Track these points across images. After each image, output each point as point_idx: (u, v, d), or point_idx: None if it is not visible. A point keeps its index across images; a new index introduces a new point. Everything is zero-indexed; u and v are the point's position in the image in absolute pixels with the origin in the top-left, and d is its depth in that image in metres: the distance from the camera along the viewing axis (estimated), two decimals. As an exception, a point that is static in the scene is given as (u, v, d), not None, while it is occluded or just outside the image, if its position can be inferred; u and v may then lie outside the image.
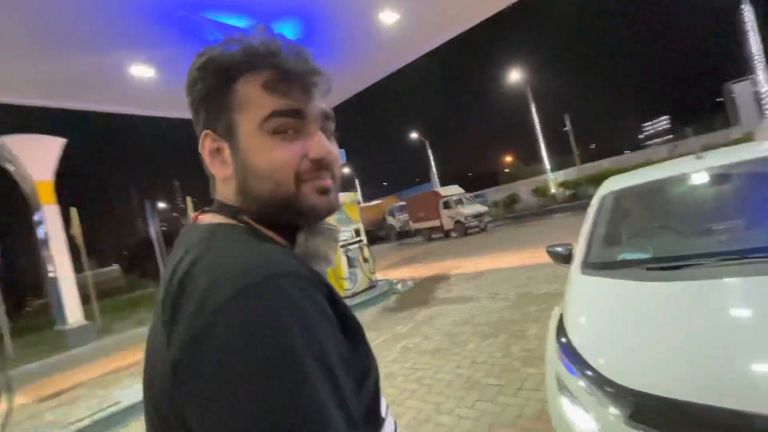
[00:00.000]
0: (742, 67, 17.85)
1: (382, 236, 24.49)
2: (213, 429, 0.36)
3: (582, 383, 1.37)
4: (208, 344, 0.37)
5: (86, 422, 3.85)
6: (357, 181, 38.96)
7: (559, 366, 1.52)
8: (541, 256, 2.84)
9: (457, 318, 5.02)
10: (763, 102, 16.14)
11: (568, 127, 24.60)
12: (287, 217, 0.52)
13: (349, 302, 6.79)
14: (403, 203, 21.65)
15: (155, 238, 10.28)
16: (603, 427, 1.26)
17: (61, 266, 8.43)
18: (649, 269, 1.72)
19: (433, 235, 18.08)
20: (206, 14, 6.36)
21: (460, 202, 16.82)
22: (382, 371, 0.65)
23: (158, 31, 6.49)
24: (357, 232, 7.92)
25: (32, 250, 8.99)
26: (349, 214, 7.82)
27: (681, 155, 2.84)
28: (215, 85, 0.50)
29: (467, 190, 18.92)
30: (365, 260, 7.79)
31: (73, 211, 9.22)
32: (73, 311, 8.46)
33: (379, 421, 0.50)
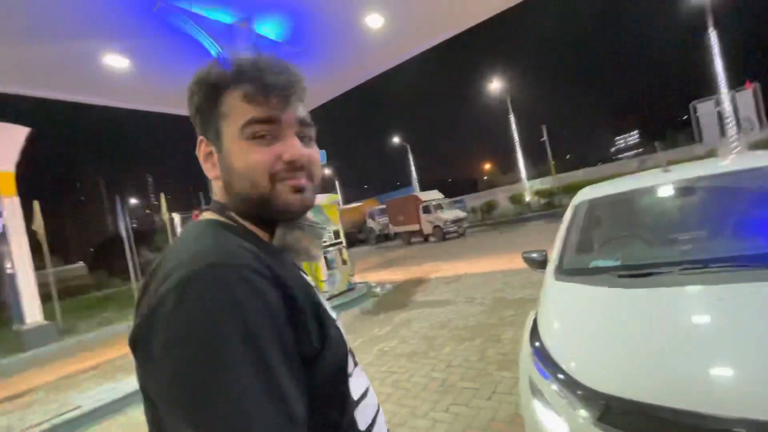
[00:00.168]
0: (707, 88, 18.90)
1: (362, 239, 24.43)
2: (159, 402, 0.44)
3: (554, 386, 1.40)
4: (152, 325, 0.44)
5: (44, 427, 3.64)
6: (338, 183, 38.76)
7: (533, 369, 1.55)
8: (517, 262, 2.89)
9: (434, 321, 5.06)
10: (725, 121, 17.12)
11: (545, 137, 25.32)
12: (265, 213, 0.57)
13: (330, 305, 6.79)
14: (384, 206, 21.69)
15: (125, 235, 9.88)
16: (573, 430, 1.29)
17: (19, 262, 7.98)
18: (619, 276, 1.79)
19: (413, 239, 18.18)
20: (185, 6, 6.20)
21: (439, 207, 17.01)
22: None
23: (134, 21, 6.27)
24: (336, 234, 7.87)
25: (-11, 244, 8.46)
26: (328, 216, 7.75)
27: (649, 168, 2.97)
28: (206, 97, 0.57)
29: (447, 196, 19.16)
30: (344, 262, 7.74)
31: (36, 205, 8.75)
32: (31, 310, 8.00)
33: (346, 403, 0.54)
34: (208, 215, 0.60)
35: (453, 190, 29.87)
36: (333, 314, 0.59)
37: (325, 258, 7.34)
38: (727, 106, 17.01)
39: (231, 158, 0.56)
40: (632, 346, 1.39)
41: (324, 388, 0.50)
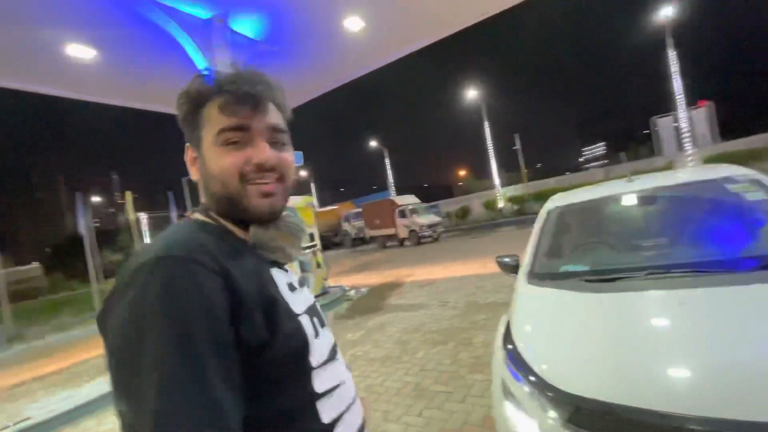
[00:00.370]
0: (666, 105, 20.10)
1: (337, 242, 24.25)
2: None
3: (526, 388, 1.43)
4: (104, 308, 0.51)
5: (-13, 441, 3.37)
6: (313, 186, 38.35)
7: (505, 372, 1.58)
8: (490, 267, 2.95)
9: (407, 325, 5.07)
10: (682, 136, 18.27)
11: (517, 146, 26.09)
12: (237, 214, 0.63)
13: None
14: (360, 210, 21.63)
15: (86, 234, 9.34)
16: (543, 431, 1.31)
17: (-35, 262, 7.39)
18: (587, 281, 1.85)
19: (388, 243, 18.22)
20: (159, -1, 5.99)
21: (415, 211, 17.14)
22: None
23: (102, 11, 5.98)
24: (311, 237, 7.77)
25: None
26: (302, 218, 7.65)
27: (614, 178, 3.10)
28: (190, 108, 0.64)
29: (422, 201, 19.34)
30: (318, 266, 7.65)
31: (-14, 201, 8.13)
32: (-23, 314, 7.42)
33: (302, 393, 0.57)
34: (193, 215, 0.67)
35: (428, 195, 30.21)
36: (300, 309, 0.63)
37: (299, 261, 7.24)
38: (683, 122, 18.16)
39: (207, 163, 0.62)
40: (600, 348, 1.44)
41: (275, 376, 0.54)
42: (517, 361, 1.53)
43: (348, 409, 0.64)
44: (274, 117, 0.65)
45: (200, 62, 6.64)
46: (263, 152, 0.62)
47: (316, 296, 7.46)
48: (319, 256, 7.75)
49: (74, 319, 9.40)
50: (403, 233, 17.09)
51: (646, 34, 18.56)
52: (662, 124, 20.71)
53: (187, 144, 0.67)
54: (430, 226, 16.56)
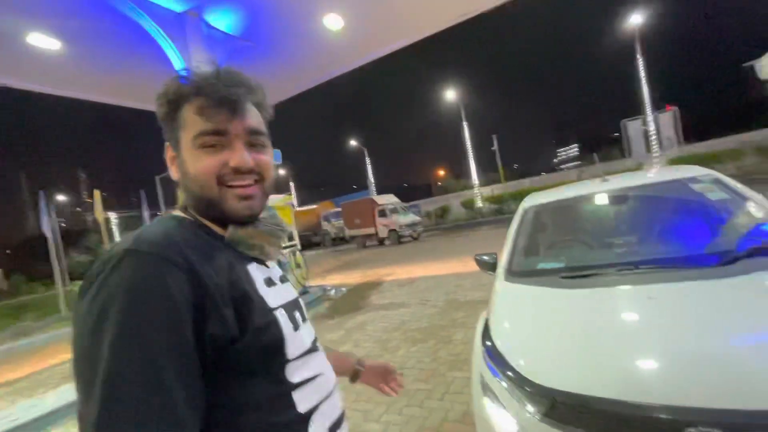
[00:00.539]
0: (635, 108, 20.97)
1: (317, 242, 24.04)
2: None
3: (504, 384, 1.45)
4: (77, 297, 0.52)
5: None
6: (293, 185, 37.87)
7: (484, 368, 1.60)
8: (469, 265, 3.00)
9: (388, 324, 5.08)
10: (649, 138, 19.12)
11: (495, 146, 26.59)
12: (216, 214, 0.65)
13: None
14: (339, 209, 21.51)
15: (50, 235, 8.89)
16: (521, 426, 1.34)
17: None
18: (562, 277, 1.90)
19: (368, 243, 18.20)
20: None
21: (395, 211, 17.19)
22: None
23: (67, 1, 5.71)
24: (290, 237, 7.67)
25: None
26: (281, 217, 7.54)
27: (587, 178, 3.20)
28: (168, 109, 0.65)
29: (402, 200, 19.41)
30: (298, 266, 7.56)
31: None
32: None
33: (275, 384, 0.59)
34: (173, 211, 0.68)
35: (408, 194, 30.38)
36: (276, 304, 0.64)
37: (279, 261, 7.12)
38: (650, 126, 19.00)
39: (186, 164, 0.64)
40: (575, 342, 1.48)
41: (248, 367, 0.56)
42: (496, 357, 1.55)
43: (326, 399, 0.66)
44: (253, 120, 0.66)
45: (174, 56, 6.44)
46: (240, 156, 0.63)
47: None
48: (299, 255, 7.66)
49: (36, 324, 8.92)
50: (383, 233, 17.12)
51: (618, 40, 19.35)
52: (631, 126, 21.60)
53: (167, 143, 0.68)
54: (410, 226, 16.65)
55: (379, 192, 26.93)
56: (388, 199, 18.21)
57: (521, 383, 1.39)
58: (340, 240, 22.24)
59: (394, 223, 16.57)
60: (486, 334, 1.75)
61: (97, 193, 10.15)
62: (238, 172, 0.64)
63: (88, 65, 7.40)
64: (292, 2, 6.85)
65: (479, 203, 22.36)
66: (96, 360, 0.45)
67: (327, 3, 7.10)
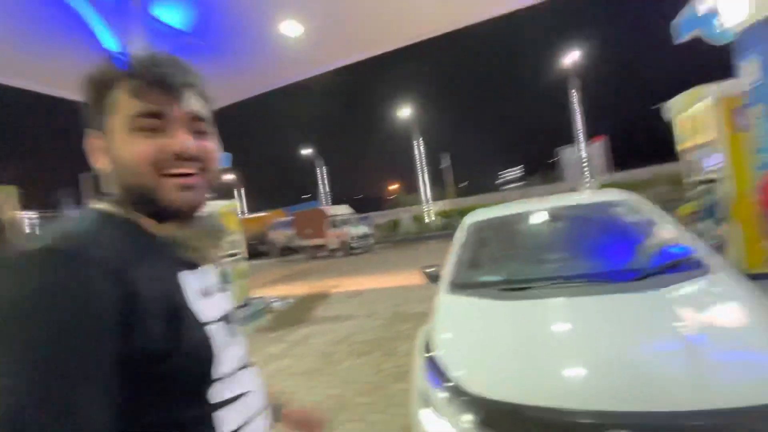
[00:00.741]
0: (571, 136, 23.05)
1: (265, 251, 23.13)
2: None
3: (442, 395, 1.47)
4: None
5: None
6: (241, 191, 36.35)
7: (424, 380, 1.61)
8: (418, 277, 3.05)
9: (333, 337, 4.97)
10: (582, 165, 21.04)
11: (445, 164, 27.65)
12: (150, 207, 0.57)
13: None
14: (290, 218, 20.96)
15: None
16: (458, 435, 1.36)
17: None
18: (501, 290, 1.99)
19: (318, 253, 17.86)
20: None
21: (347, 222, 17.09)
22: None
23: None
24: (234, 245, 7.29)
25: None
26: (226, 224, 7.16)
27: (528, 198, 3.42)
28: (98, 91, 0.58)
29: (355, 212, 19.39)
30: (241, 276, 7.19)
31: None
32: None
33: (198, 403, 0.53)
34: (95, 204, 0.59)
35: (361, 206, 30.44)
36: (211, 317, 0.59)
37: (221, 270, 6.73)
38: (583, 153, 20.93)
39: (117, 150, 0.56)
40: (510, 352, 1.54)
41: (173, 386, 0.51)
42: (435, 369, 1.57)
43: (253, 419, 0.61)
44: (194, 104, 0.60)
45: (112, 46, 5.96)
46: (182, 140, 0.57)
47: (238, 308, 7.02)
48: (243, 265, 7.30)
49: None
50: (333, 243, 16.90)
51: (559, 73, 21.18)
52: (566, 153, 23.67)
53: (90, 130, 0.61)
54: (361, 237, 16.63)
55: (332, 202, 26.71)
56: (340, 210, 18.09)
57: (458, 394, 1.42)
58: (289, 250, 21.61)
59: (346, 235, 16.45)
60: (427, 345, 1.77)
61: (4, 189, 8.95)
62: (180, 158, 0.57)
63: (10, 49, 6.61)
64: (247, 4, 6.68)
65: (429, 218, 22.98)
66: None
67: (286, 9, 7.02)
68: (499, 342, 1.62)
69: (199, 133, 0.61)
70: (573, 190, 17.28)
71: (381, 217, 26.61)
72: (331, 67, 9.85)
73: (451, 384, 1.47)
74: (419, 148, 24.46)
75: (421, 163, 24.50)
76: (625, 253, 2.18)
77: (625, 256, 2.14)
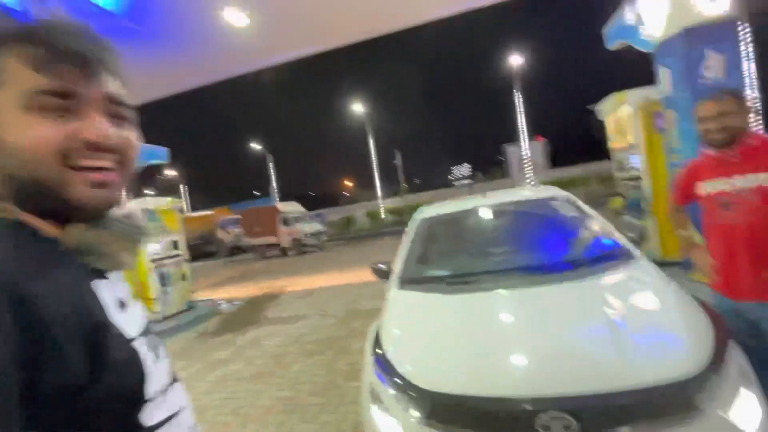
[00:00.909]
0: (514, 136, 24.38)
1: (212, 251, 21.94)
2: None
3: (391, 391, 1.48)
4: None
5: None
6: (184, 188, 34.18)
7: (373, 377, 1.61)
8: (370, 274, 3.04)
9: (284, 338, 4.84)
10: (524, 162, 22.35)
11: (397, 161, 27.99)
12: (51, 205, 0.48)
13: (159, 327, 5.67)
14: (238, 216, 20.05)
15: None
16: (406, 431, 1.38)
17: None
18: (448, 284, 2.04)
19: (269, 253, 17.28)
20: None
21: (299, 219, 16.70)
22: (193, 405, 0.61)
23: None
24: (175, 245, 6.83)
25: None
26: (166, 223, 6.68)
27: (475, 194, 3.55)
28: None
29: (309, 209, 19.00)
30: (183, 278, 6.76)
31: None
32: None
33: (136, 428, 0.48)
34: None
35: (314, 203, 29.93)
36: (135, 332, 0.52)
37: (160, 272, 6.27)
38: (524, 152, 22.22)
39: (5, 133, 0.45)
40: (455, 345, 1.59)
41: (99, 415, 0.44)
42: (384, 365, 1.58)
43: None
44: (113, 84, 0.51)
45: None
46: (99, 127, 0.48)
47: (180, 312, 6.58)
48: (185, 266, 6.86)
49: None
50: (285, 242, 16.43)
51: (505, 74, 22.21)
52: (510, 151, 25.02)
53: None
54: (314, 235, 16.33)
55: (283, 199, 25.99)
56: (292, 207, 17.63)
57: (406, 388, 1.43)
58: (237, 250, 20.68)
59: (298, 232, 16.06)
60: (377, 342, 1.77)
61: None
62: (94, 148, 0.48)
63: None
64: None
65: (383, 214, 23.15)
66: None
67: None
68: (444, 335, 1.66)
69: (117, 119, 0.51)
70: (515, 186, 18.30)
71: (335, 213, 26.39)
72: (280, 60, 9.54)
73: (399, 380, 1.48)
74: (372, 146, 24.52)
75: (375, 160, 24.60)
76: (561, 245, 2.33)
77: (562, 249, 2.29)
